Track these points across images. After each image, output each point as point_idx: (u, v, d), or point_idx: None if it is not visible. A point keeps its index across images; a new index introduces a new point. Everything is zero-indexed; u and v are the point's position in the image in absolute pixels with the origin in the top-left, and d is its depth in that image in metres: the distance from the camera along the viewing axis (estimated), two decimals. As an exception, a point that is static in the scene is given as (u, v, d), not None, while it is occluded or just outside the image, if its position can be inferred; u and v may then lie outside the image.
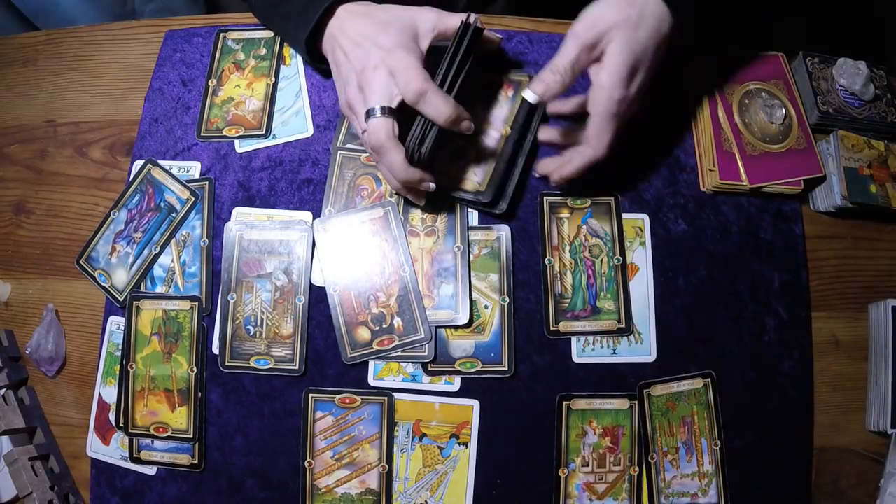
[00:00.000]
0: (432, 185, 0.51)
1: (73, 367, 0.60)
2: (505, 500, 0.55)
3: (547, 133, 0.58)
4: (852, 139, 0.61)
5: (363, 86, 0.49)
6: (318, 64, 0.57)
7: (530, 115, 0.58)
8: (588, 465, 0.55)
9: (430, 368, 0.56)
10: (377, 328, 0.56)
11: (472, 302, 0.56)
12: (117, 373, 0.57)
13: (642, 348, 0.57)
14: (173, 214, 0.60)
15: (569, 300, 0.57)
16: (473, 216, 0.59)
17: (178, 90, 0.64)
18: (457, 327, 0.56)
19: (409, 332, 0.55)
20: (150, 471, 0.57)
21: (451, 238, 0.57)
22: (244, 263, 0.58)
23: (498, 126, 0.58)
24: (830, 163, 0.61)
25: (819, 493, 0.57)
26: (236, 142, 0.62)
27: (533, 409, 0.56)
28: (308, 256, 0.57)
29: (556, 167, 0.55)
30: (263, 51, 0.64)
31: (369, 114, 0.48)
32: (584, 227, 0.59)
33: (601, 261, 0.58)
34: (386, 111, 0.47)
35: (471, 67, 0.50)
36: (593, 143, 0.51)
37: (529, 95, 0.50)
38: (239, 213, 0.60)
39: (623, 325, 0.57)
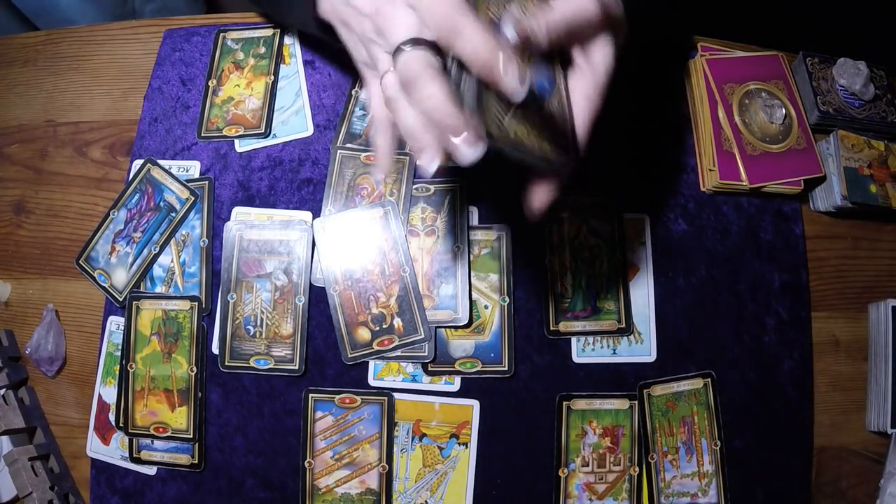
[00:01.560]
0: (479, 143, 0.34)
1: (73, 367, 0.60)
2: (505, 500, 0.55)
3: None
4: (852, 139, 0.61)
5: (381, 27, 0.38)
6: (329, 36, 0.48)
7: None
8: (588, 465, 0.55)
9: (430, 368, 0.56)
10: (377, 328, 0.56)
11: (472, 302, 0.56)
12: (117, 373, 0.57)
13: (642, 348, 0.57)
14: (173, 214, 0.60)
15: (569, 300, 0.57)
16: (474, 216, 0.59)
17: (177, 89, 0.64)
18: (457, 327, 0.56)
19: (409, 332, 0.55)
20: (150, 471, 0.57)
21: (451, 238, 0.57)
22: (244, 263, 0.58)
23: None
24: (830, 163, 0.61)
25: (819, 493, 0.57)
26: (236, 141, 0.62)
27: (533, 409, 0.56)
28: (308, 256, 0.57)
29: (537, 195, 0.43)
30: (263, 49, 0.64)
31: (397, 52, 0.36)
32: (584, 227, 0.59)
33: (601, 261, 0.58)
34: (419, 43, 0.36)
35: None
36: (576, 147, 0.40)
37: (509, 31, 0.35)
38: (239, 212, 0.60)
39: (623, 325, 0.57)
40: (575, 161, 0.41)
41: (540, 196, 0.42)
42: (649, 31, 0.58)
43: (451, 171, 0.60)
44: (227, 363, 0.56)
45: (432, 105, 0.35)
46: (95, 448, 0.58)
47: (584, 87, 0.40)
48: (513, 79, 0.34)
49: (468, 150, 0.35)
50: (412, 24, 0.37)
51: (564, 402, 0.56)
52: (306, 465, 0.55)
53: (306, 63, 0.64)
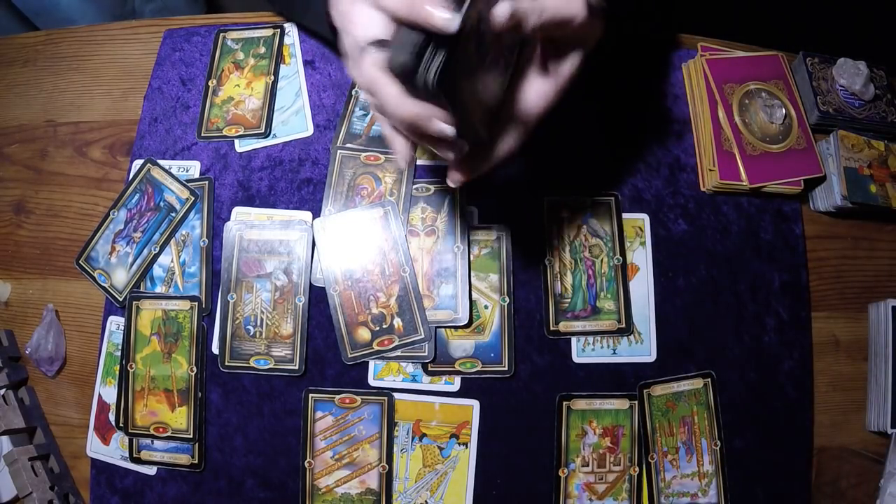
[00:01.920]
0: (446, 128, 0.36)
1: (73, 367, 0.60)
2: (505, 500, 0.55)
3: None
4: (852, 139, 0.61)
5: (348, 29, 0.39)
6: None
7: None
8: (588, 465, 0.55)
9: (430, 368, 0.56)
10: (377, 328, 0.56)
11: (472, 302, 0.56)
12: (117, 373, 0.57)
13: (642, 348, 0.57)
14: (173, 214, 0.60)
15: (569, 300, 0.57)
16: (474, 216, 0.59)
17: (177, 89, 0.64)
18: (457, 327, 0.56)
19: (409, 332, 0.55)
20: (150, 471, 0.57)
21: (451, 238, 0.57)
22: (244, 263, 0.58)
23: None
24: (830, 163, 0.61)
25: (819, 493, 0.57)
26: (236, 141, 0.62)
27: (533, 409, 0.56)
28: (308, 256, 0.57)
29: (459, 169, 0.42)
30: (262, 49, 0.64)
31: (361, 54, 0.37)
32: (584, 227, 0.59)
33: (601, 261, 0.58)
34: (376, 44, 0.37)
35: None
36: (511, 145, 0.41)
37: (501, 10, 0.35)
38: (239, 212, 0.60)
39: (623, 325, 0.57)
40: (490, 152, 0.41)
41: (457, 174, 0.42)
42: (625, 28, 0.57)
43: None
44: (227, 363, 0.56)
45: (388, 101, 0.36)
46: (95, 448, 0.58)
47: (543, 88, 0.40)
48: (440, 14, 0.32)
49: (440, 129, 0.36)
50: (369, 19, 0.37)
51: (564, 402, 0.56)
52: (306, 465, 0.55)
53: (306, 63, 0.64)
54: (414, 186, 0.59)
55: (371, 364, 0.56)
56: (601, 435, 0.56)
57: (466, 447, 0.55)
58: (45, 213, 0.64)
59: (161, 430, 0.56)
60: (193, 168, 0.61)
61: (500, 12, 0.35)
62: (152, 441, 0.56)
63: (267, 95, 0.62)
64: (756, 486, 0.56)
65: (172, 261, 0.59)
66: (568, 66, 0.41)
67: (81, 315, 0.61)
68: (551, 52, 0.41)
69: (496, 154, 0.41)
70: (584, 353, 0.57)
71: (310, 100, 0.63)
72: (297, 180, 0.60)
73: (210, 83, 0.64)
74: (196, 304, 0.57)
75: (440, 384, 0.56)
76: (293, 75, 0.64)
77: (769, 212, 0.61)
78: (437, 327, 0.56)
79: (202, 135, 0.62)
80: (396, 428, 0.55)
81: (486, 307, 0.57)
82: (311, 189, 0.60)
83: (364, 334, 0.56)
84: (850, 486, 0.56)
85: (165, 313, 0.57)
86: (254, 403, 0.57)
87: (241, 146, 0.62)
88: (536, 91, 0.40)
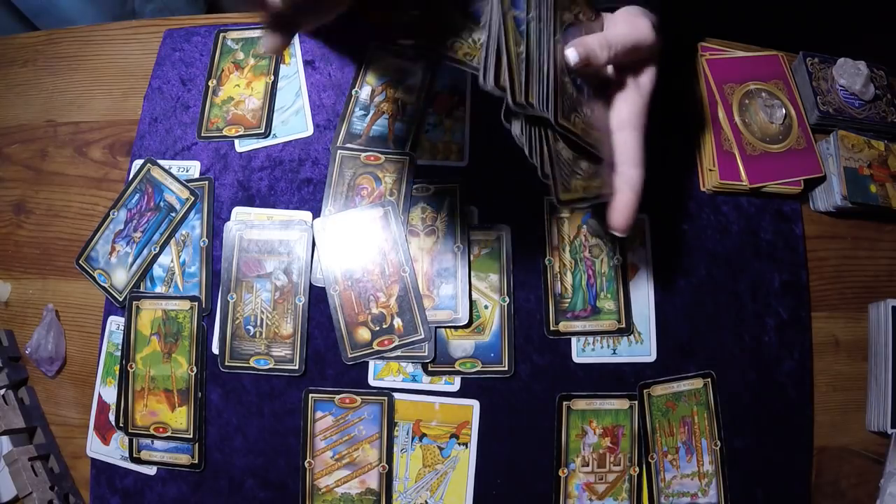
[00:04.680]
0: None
1: (72, 367, 0.60)
2: (505, 500, 0.55)
3: None
4: (852, 139, 0.61)
5: None
6: None
7: None
8: (588, 465, 0.55)
9: (430, 368, 0.56)
10: (377, 328, 0.56)
11: (472, 302, 0.56)
12: (117, 373, 0.57)
13: (642, 348, 0.57)
14: (173, 214, 0.60)
15: (569, 300, 0.57)
16: (474, 216, 0.59)
17: (177, 89, 0.64)
18: (457, 327, 0.56)
19: (409, 333, 0.55)
20: (150, 471, 0.57)
21: (451, 238, 0.57)
22: (244, 263, 0.58)
23: None
24: (830, 163, 0.61)
25: (819, 493, 0.57)
26: (236, 141, 0.62)
27: (533, 409, 0.56)
28: (308, 256, 0.57)
29: (618, 213, 0.46)
30: (262, 49, 0.64)
31: None
32: (584, 227, 0.59)
33: (601, 261, 0.58)
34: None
35: None
36: (638, 160, 0.45)
37: (571, 54, 0.40)
38: (239, 212, 0.60)
39: (623, 325, 0.57)
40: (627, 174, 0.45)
41: (619, 214, 0.46)
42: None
43: (451, 172, 0.60)
44: (227, 363, 0.56)
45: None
46: (95, 448, 0.58)
47: (631, 106, 0.44)
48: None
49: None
50: None
51: (564, 402, 0.56)
52: (306, 465, 0.55)
53: (306, 63, 0.64)
54: (414, 186, 0.59)
55: (371, 364, 0.56)
56: (601, 435, 0.56)
57: (466, 447, 0.55)
58: (45, 213, 0.64)
59: (161, 430, 0.56)
60: (193, 168, 0.61)
61: (571, 56, 0.39)
62: (152, 441, 0.57)
63: (267, 95, 0.63)
64: (756, 486, 0.56)
65: (172, 261, 0.59)
66: (647, 79, 0.44)
67: (81, 315, 0.61)
68: (629, 72, 0.44)
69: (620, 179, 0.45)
70: (584, 353, 0.57)
71: (310, 100, 0.63)
72: (297, 180, 0.60)
73: (210, 83, 0.64)
74: (196, 304, 0.57)
75: (440, 384, 0.56)
76: (293, 75, 0.64)
77: (769, 212, 0.61)
78: (437, 327, 0.56)
79: (202, 135, 0.62)
80: (396, 428, 0.55)
81: (486, 307, 0.57)
82: (311, 189, 0.60)
83: (364, 334, 0.56)
84: (850, 486, 0.56)
85: (165, 313, 0.57)
86: (254, 403, 0.57)
87: (241, 146, 0.62)
88: (627, 110, 0.44)
